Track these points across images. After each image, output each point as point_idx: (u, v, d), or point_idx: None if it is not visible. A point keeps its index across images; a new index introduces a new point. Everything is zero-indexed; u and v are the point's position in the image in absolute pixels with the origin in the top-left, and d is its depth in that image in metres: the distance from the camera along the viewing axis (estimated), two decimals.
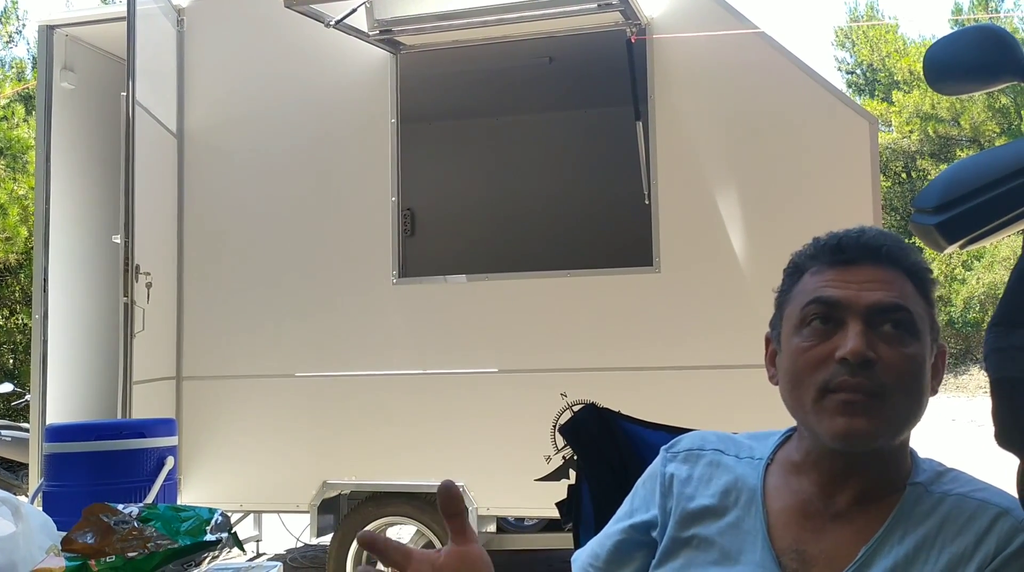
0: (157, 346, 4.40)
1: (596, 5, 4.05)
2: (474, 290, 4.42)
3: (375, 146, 4.51)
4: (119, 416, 3.98)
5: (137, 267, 4.11)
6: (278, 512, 4.79)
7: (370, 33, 4.22)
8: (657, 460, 1.34)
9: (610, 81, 5.11)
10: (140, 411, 4.10)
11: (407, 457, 4.33)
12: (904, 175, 21.86)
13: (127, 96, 4.13)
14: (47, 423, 4.26)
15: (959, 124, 20.60)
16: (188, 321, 4.65)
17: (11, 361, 12.61)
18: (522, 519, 5.33)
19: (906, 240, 1.29)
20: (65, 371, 4.67)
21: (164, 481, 2.24)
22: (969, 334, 17.13)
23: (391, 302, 4.43)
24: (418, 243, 5.90)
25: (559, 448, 4.15)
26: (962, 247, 1.53)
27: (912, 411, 1.14)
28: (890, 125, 21.54)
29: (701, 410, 4.01)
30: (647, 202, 4.19)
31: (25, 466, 6.21)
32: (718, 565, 1.20)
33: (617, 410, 1.92)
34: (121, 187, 4.16)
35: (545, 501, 4.17)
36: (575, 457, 1.78)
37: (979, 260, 17.79)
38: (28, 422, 6.85)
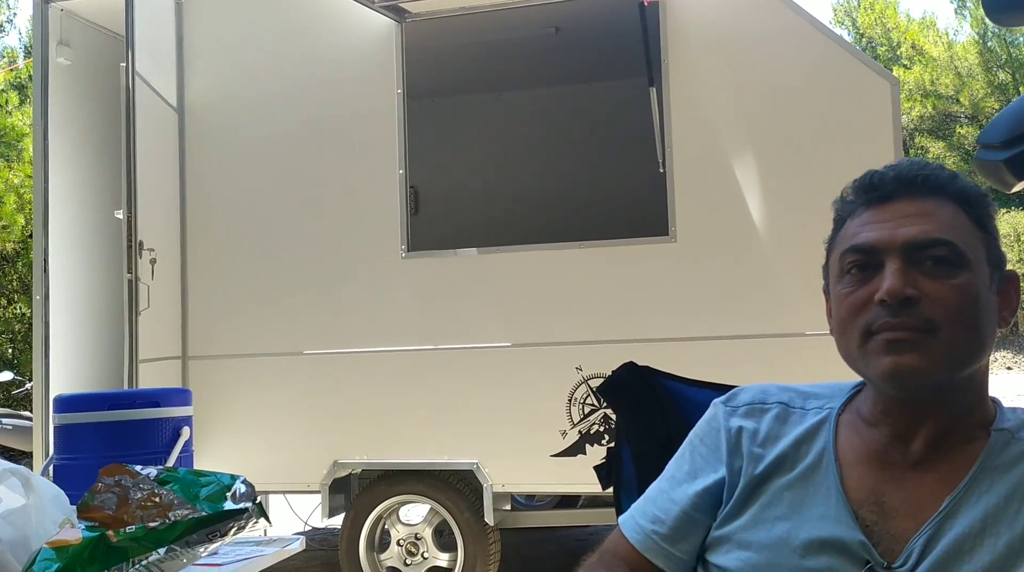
0: (162, 324, 4.31)
1: None
2: (485, 263, 4.32)
3: (381, 118, 4.40)
4: None
5: (141, 243, 4.00)
6: (288, 493, 4.70)
7: (375, 0, 4.10)
8: (715, 415, 1.27)
9: (619, 52, 5.01)
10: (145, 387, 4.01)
11: (419, 434, 4.24)
12: (903, 152, 21.79)
13: (126, 67, 4.01)
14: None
15: (959, 101, 20.51)
16: (193, 299, 4.55)
17: (10, 351, 12.51)
18: (532, 497, 5.26)
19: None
20: (68, 353, 4.58)
21: (180, 453, 2.15)
22: None
23: (400, 276, 4.33)
24: (422, 222, 5.79)
25: (575, 422, 4.06)
26: None
27: (970, 344, 1.06)
28: None
29: (720, 381, 3.92)
30: (662, 170, 4.09)
31: (27, 455, 6.13)
32: (787, 520, 1.13)
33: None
34: (122, 161, 4.05)
35: (561, 477, 4.09)
36: (598, 428, 1.70)
37: None
38: (27, 411, 6.77)
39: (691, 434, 1.30)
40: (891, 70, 20.99)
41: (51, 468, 2.16)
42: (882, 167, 1.14)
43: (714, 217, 4.04)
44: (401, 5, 4.23)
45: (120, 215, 4.09)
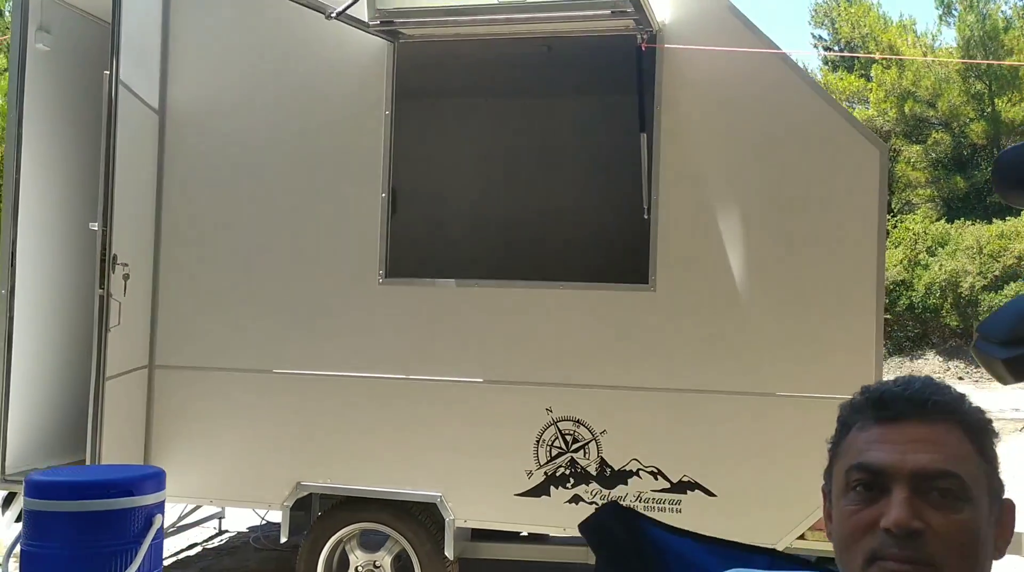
0: (129, 335, 4.22)
1: (609, 12, 3.89)
2: (463, 296, 4.29)
3: (367, 139, 4.32)
4: (90, 414, 3.80)
5: (114, 257, 3.91)
6: (248, 507, 4.68)
7: (370, 23, 4.01)
8: None
9: (611, 74, 4.94)
10: (111, 405, 3.95)
11: (385, 463, 4.23)
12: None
13: (110, 75, 3.88)
14: (14, 433, 4.05)
15: (935, 107, 20.64)
16: (163, 308, 4.46)
17: None
18: None
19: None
20: (32, 359, 4.45)
21: (152, 540, 2.12)
22: (928, 319, 17.33)
23: (376, 302, 4.29)
24: (400, 228, 5.70)
25: (542, 463, 4.08)
26: None
27: None
28: (867, 102, 21.52)
29: (690, 437, 3.96)
30: (646, 217, 4.07)
31: None
32: None
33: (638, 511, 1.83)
34: (100, 173, 3.93)
35: (524, 516, 4.11)
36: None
37: (943, 247, 17.95)
38: None
39: None
40: (869, 70, 21.04)
41: (17, 547, 2.12)
42: (894, 382, 1.14)
43: (695, 269, 4.03)
44: (398, 29, 4.14)
45: (95, 227, 3.98)
